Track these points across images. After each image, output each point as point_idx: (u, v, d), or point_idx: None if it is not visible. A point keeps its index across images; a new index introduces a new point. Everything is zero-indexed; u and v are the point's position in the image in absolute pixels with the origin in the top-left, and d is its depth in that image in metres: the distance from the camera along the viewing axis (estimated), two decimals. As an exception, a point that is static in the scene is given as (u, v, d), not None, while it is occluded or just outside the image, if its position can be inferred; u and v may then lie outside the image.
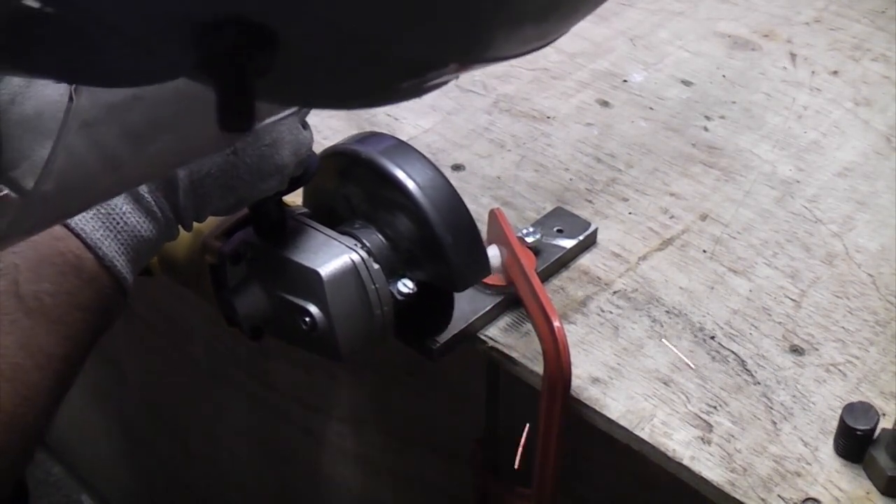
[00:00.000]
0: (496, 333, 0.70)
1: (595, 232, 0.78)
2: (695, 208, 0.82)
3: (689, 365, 0.67)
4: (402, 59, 0.31)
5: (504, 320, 0.71)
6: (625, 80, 0.98)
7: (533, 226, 0.76)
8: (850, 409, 0.61)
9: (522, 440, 0.70)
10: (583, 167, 0.86)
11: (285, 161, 0.60)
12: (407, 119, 0.92)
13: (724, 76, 0.99)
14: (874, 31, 1.07)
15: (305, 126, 0.62)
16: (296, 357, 0.91)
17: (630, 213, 0.81)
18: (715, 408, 0.65)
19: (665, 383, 0.67)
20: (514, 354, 0.68)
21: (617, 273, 0.75)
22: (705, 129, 0.91)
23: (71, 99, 0.39)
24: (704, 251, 0.78)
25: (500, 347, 0.69)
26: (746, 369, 0.68)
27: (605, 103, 0.95)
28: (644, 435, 0.63)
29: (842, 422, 0.61)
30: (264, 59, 0.27)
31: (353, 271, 0.62)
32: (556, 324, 0.62)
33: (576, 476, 0.72)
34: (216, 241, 0.66)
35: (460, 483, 0.82)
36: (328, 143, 0.70)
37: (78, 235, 0.53)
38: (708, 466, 0.61)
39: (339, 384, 0.90)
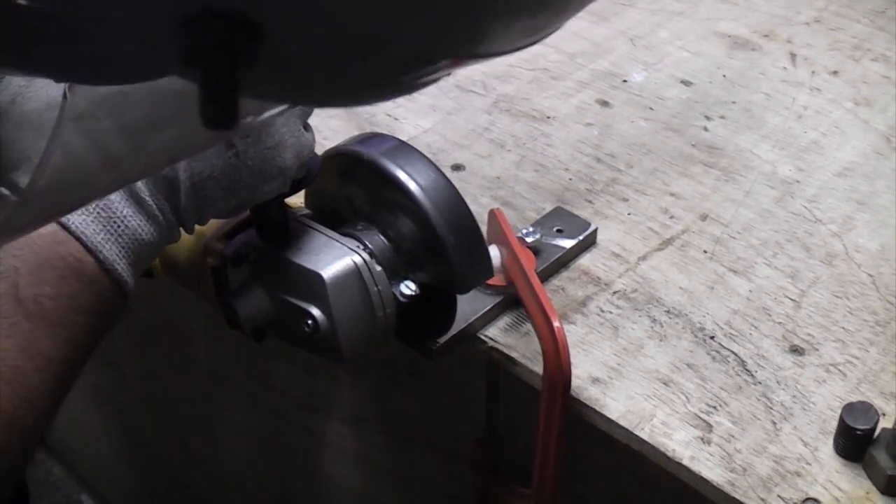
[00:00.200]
0: (496, 333, 0.70)
1: (595, 232, 0.78)
2: (695, 208, 0.82)
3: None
4: (395, 53, 0.30)
5: (504, 320, 0.71)
6: (625, 80, 0.98)
7: (533, 226, 0.76)
8: (849, 408, 0.61)
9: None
10: (583, 167, 0.86)
11: (287, 163, 0.60)
12: (407, 119, 0.92)
13: (724, 76, 0.99)
14: (874, 31, 1.07)
15: (307, 128, 0.62)
16: (296, 357, 0.91)
17: (630, 213, 0.81)
18: (715, 408, 0.65)
19: (665, 383, 0.67)
20: (514, 354, 0.68)
21: (617, 273, 0.75)
22: (705, 129, 0.91)
23: (65, 97, 0.39)
24: (704, 251, 0.78)
25: (500, 347, 0.69)
26: (746, 369, 0.68)
27: (605, 103, 0.95)
28: (644, 435, 0.63)
29: (841, 421, 0.61)
30: (249, 52, 0.26)
31: (355, 273, 0.62)
32: (555, 324, 0.62)
33: (576, 476, 0.72)
34: (218, 242, 0.66)
35: (460, 483, 0.82)
36: (328, 143, 0.70)
37: (79, 239, 0.53)
38: (708, 466, 0.61)
39: (339, 384, 0.90)
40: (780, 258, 0.77)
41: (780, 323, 0.71)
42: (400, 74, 0.32)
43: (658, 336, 0.70)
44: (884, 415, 0.63)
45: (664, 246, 0.78)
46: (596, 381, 0.67)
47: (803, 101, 0.95)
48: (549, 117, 0.93)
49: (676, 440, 0.63)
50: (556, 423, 0.64)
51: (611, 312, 0.72)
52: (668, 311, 0.72)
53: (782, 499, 0.60)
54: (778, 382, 0.67)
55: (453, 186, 0.64)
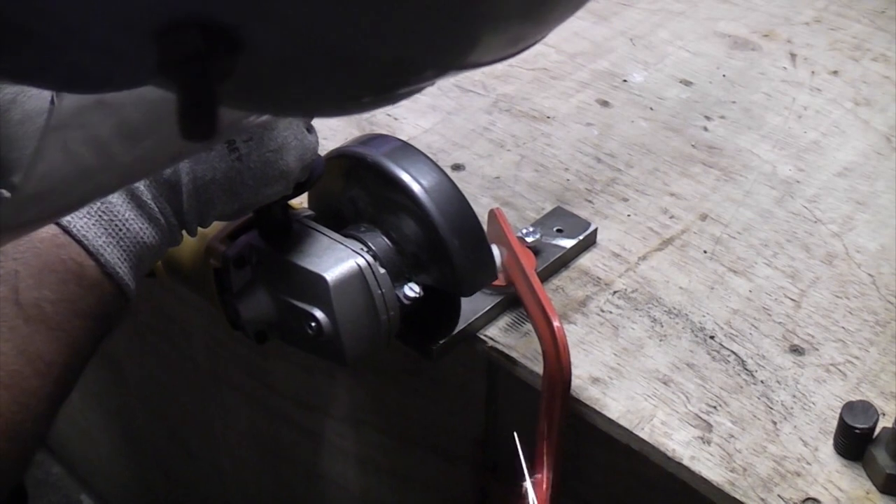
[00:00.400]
0: (496, 333, 0.70)
1: (595, 232, 0.78)
2: (695, 208, 0.82)
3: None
4: (374, 66, 0.30)
5: (504, 320, 0.71)
6: (625, 80, 0.98)
7: (533, 226, 0.76)
8: (849, 407, 0.61)
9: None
10: (583, 167, 0.86)
11: (290, 167, 0.60)
12: (407, 119, 0.92)
13: (724, 76, 0.99)
14: (874, 31, 1.07)
15: (311, 130, 0.62)
16: (295, 357, 0.91)
17: (630, 213, 0.81)
18: (715, 408, 0.65)
19: (665, 383, 0.66)
20: (514, 354, 0.68)
21: (617, 273, 0.75)
22: (705, 129, 0.91)
23: (52, 102, 0.39)
24: (704, 251, 0.78)
25: (500, 347, 0.69)
26: (746, 369, 0.68)
27: (605, 103, 0.95)
28: (644, 435, 0.63)
29: (841, 420, 0.61)
30: (227, 62, 0.26)
31: (359, 276, 0.62)
32: (556, 324, 0.62)
33: (576, 476, 0.72)
34: (220, 244, 0.66)
35: (460, 483, 0.82)
36: (327, 143, 0.70)
37: (80, 242, 0.53)
38: (708, 466, 0.61)
39: (338, 384, 0.90)
40: (780, 258, 0.77)
41: (780, 323, 0.71)
42: (380, 86, 0.32)
43: (658, 336, 0.70)
44: (883, 414, 0.63)
45: (664, 246, 0.78)
46: (596, 381, 0.67)
47: (803, 101, 0.95)
48: (549, 117, 0.93)
49: (676, 440, 0.63)
50: (557, 423, 0.64)
51: (611, 312, 0.72)
52: (668, 311, 0.72)
53: (782, 499, 0.60)
54: (778, 382, 0.67)
55: (457, 188, 0.63)
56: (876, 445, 0.61)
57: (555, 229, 0.77)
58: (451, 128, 0.91)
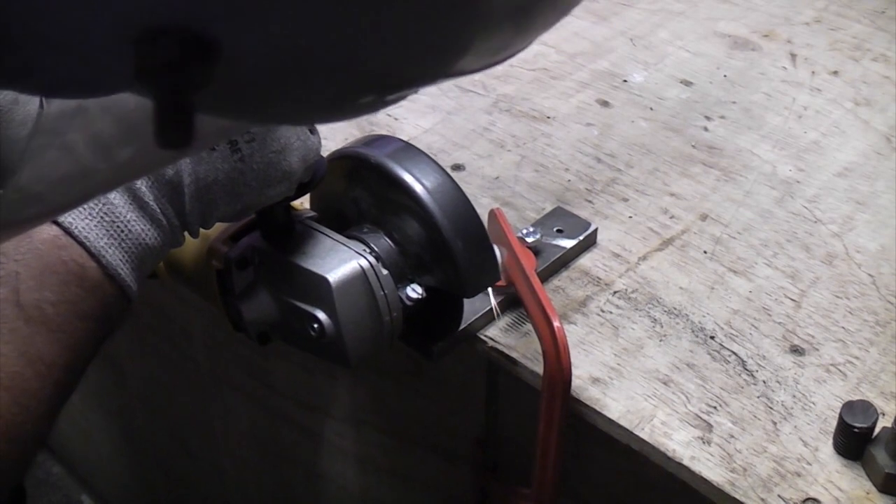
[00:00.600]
0: (496, 333, 0.70)
1: (595, 232, 0.78)
2: (695, 208, 0.82)
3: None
4: (356, 76, 0.30)
5: (504, 320, 0.71)
6: (625, 80, 0.98)
7: (533, 226, 0.76)
8: (849, 406, 0.61)
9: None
10: (583, 167, 0.86)
11: (293, 168, 0.60)
12: (407, 119, 0.92)
13: (724, 76, 0.99)
14: (874, 31, 1.07)
15: (314, 131, 0.62)
16: (296, 358, 0.91)
17: (630, 214, 0.81)
18: (715, 408, 0.65)
19: (665, 383, 0.67)
20: (514, 354, 0.68)
21: (617, 273, 0.75)
22: (705, 129, 0.91)
23: (41, 105, 0.39)
24: (704, 251, 0.78)
25: (500, 347, 0.69)
26: (746, 369, 0.68)
27: (605, 103, 0.95)
28: (644, 435, 0.63)
29: (841, 419, 0.61)
30: (204, 71, 0.26)
31: (361, 277, 0.62)
32: (556, 324, 0.62)
33: (576, 476, 0.72)
34: (223, 245, 0.65)
35: (460, 483, 0.82)
36: (328, 142, 0.70)
37: (81, 244, 0.53)
38: (708, 466, 0.61)
39: (338, 384, 0.90)
40: (780, 258, 0.77)
41: (780, 323, 0.71)
42: (362, 96, 0.32)
43: (658, 336, 0.70)
44: (883, 414, 0.63)
45: (664, 246, 0.78)
46: (596, 381, 0.67)
47: (803, 101, 0.95)
48: (549, 117, 0.93)
49: (676, 440, 0.63)
50: (556, 423, 0.64)
51: (611, 312, 0.72)
52: (668, 311, 0.72)
53: (782, 499, 0.60)
54: (778, 382, 0.67)
55: (460, 189, 0.63)
56: (875, 445, 0.61)
57: (555, 229, 0.77)
58: (451, 128, 0.91)
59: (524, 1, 0.29)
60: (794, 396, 0.66)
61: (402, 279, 0.64)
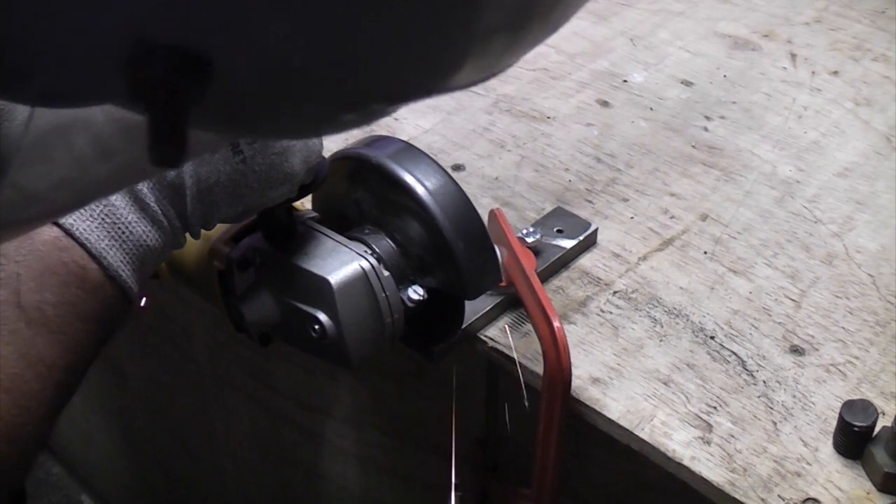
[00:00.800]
0: (496, 333, 0.70)
1: (595, 232, 0.78)
2: (695, 208, 0.82)
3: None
4: (353, 92, 0.30)
5: (504, 320, 0.71)
6: (625, 80, 0.98)
7: (533, 226, 0.76)
8: (849, 405, 0.62)
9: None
10: (583, 167, 0.86)
11: (295, 169, 0.60)
12: (407, 119, 0.92)
13: (724, 76, 0.99)
14: (874, 31, 1.07)
15: None
16: (297, 358, 0.91)
17: (630, 214, 0.81)
18: (715, 408, 0.65)
19: (665, 383, 0.67)
20: (514, 355, 0.68)
21: (617, 273, 0.75)
22: (705, 129, 0.91)
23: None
24: (704, 251, 0.78)
25: (500, 347, 0.69)
26: (746, 369, 0.68)
27: (605, 103, 0.95)
28: (644, 435, 0.63)
29: (841, 418, 0.61)
30: (197, 89, 0.26)
31: (363, 279, 0.62)
32: (556, 324, 0.62)
33: (576, 476, 0.72)
34: (224, 246, 0.65)
35: (460, 483, 0.82)
36: (328, 144, 0.70)
37: (83, 245, 0.53)
38: (708, 467, 0.61)
39: (339, 385, 0.90)
40: (780, 258, 0.77)
41: (780, 323, 0.71)
42: (353, 111, 0.32)
43: (658, 336, 0.70)
44: (883, 414, 0.63)
45: (664, 246, 0.78)
46: (596, 381, 0.67)
47: (803, 102, 0.95)
48: (549, 117, 0.93)
49: (677, 440, 0.63)
50: (556, 423, 0.64)
51: (611, 312, 0.72)
52: (668, 312, 0.72)
53: (782, 499, 0.60)
54: (778, 382, 0.67)
55: (462, 190, 0.63)
56: (875, 444, 0.61)
57: (555, 230, 0.77)
58: (451, 128, 0.91)
59: (516, 18, 0.29)
60: (794, 396, 0.66)
61: (403, 280, 0.64)
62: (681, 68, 1.00)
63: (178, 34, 0.25)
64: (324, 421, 0.95)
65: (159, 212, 0.56)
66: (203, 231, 0.60)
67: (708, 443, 0.63)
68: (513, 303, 0.71)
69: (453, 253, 0.62)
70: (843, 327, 0.71)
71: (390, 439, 0.89)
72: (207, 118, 0.29)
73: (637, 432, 0.63)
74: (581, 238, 0.76)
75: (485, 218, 0.73)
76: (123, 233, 0.54)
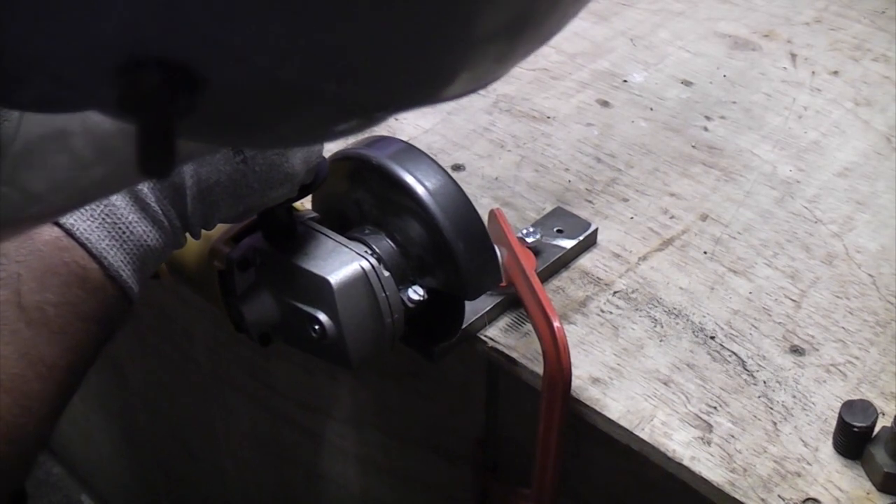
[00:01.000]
0: (496, 334, 0.70)
1: (595, 232, 0.78)
2: (695, 208, 0.82)
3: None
4: (345, 105, 0.30)
5: (504, 320, 0.71)
6: (625, 80, 0.98)
7: (533, 226, 0.76)
8: (848, 405, 0.62)
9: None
10: (583, 167, 0.86)
11: (295, 169, 0.60)
12: (407, 119, 0.92)
13: (724, 76, 0.99)
14: (874, 31, 1.07)
15: None
16: (297, 359, 0.91)
17: (630, 214, 0.81)
18: (715, 408, 0.65)
19: (665, 383, 0.67)
20: (514, 354, 0.68)
21: (617, 273, 0.75)
22: (705, 129, 0.92)
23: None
24: (705, 251, 0.78)
25: (500, 347, 0.69)
26: (746, 369, 0.68)
27: (605, 103, 0.95)
28: (644, 435, 0.63)
29: (840, 418, 0.61)
30: (187, 100, 0.26)
31: (363, 279, 0.62)
32: (556, 324, 0.62)
33: (576, 476, 0.72)
34: (224, 246, 0.65)
35: (460, 483, 0.82)
36: (329, 144, 0.70)
37: (83, 245, 0.53)
38: (708, 467, 0.61)
39: (339, 385, 0.90)
40: (781, 258, 0.77)
41: (780, 323, 0.71)
42: (345, 123, 0.32)
43: (658, 336, 0.70)
44: (883, 414, 0.63)
45: (664, 246, 0.78)
46: (596, 381, 0.67)
47: (803, 102, 0.95)
48: (549, 117, 0.93)
49: (677, 440, 0.63)
50: (556, 423, 0.64)
51: (611, 313, 0.72)
52: (668, 312, 0.72)
53: (783, 499, 0.60)
54: (778, 382, 0.67)
55: (462, 191, 0.63)
56: (875, 444, 0.61)
57: (555, 230, 0.77)
58: (451, 128, 0.91)
59: (509, 29, 0.29)
60: (794, 396, 0.66)
61: (403, 281, 0.64)
62: (681, 68, 1.00)
63: (169, 47, 0.25)
64: (324, 421, 0.95)
65: (160, 212, 0.56)
66: (203, 231, 0.60)
67: (708, 443, 0.63)
68: (513, 303, 0.71)
69: (453, 253, 0.62)
70: (843, 327, 0.71)
71: (390, 439, 0.89)
72: (198, 129, 0.30)
73: (637, 432, 0.63)
74: (581, 238, 0.76)
75: (485, 218, 0.73)
76: (124, 233, 0.54)
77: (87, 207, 0.53)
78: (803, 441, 0.63)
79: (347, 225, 0.67)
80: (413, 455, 0.88)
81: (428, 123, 0.92)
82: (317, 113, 0.30)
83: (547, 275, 0.74)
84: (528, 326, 0.70)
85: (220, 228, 0.65)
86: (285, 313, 0.64)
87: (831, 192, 0.84)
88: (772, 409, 0.65)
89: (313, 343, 0.63)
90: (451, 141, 0.89)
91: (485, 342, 0.70)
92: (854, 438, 0.61)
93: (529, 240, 0.73)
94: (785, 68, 1.00)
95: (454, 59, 0.29)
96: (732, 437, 0.63)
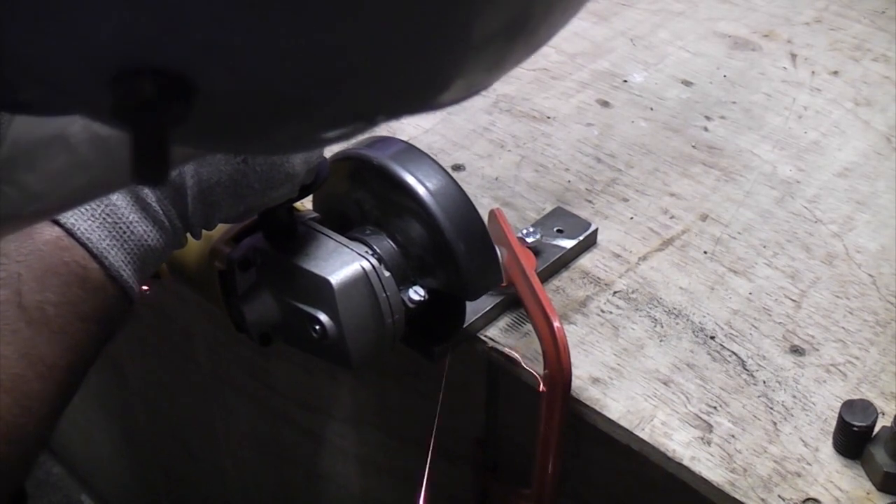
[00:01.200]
0: (496, 333, 0.70)
1: (595, 232, 0.78)
2: (695, 208, 0.82)
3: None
4: (339, 113, 0.30)
5: (504, 320, 0.71)
6: (625, 80, 0.98)
7: (533, 226, 0.76)
8: (848, 405, 0.62)
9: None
10: (583, 167, 0.86)
11: (296, 169, 0.60)
12: (407, 119, 0.92)
13: (724, 76, 0.99)
14: (874, 31, 1.07)
15: None
16: (297, 358, 0.91)
17: (630, 214, 0.81)
18: (715, 408, 0.65)
19: (665, 383, 0.67)
20: (514, 355, 0.68)
21: (617, 273, 0.75)
22: (705, 129, 0.92)
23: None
24: (705, 251, 0.78)
25: (500, 347, 0.69)
26: (746, 369, 0.68)
27: (605, 103, 0.95)
28: (644, 435, 0.63)
29: (840, 418, 0.61)
30: (181, 108, 0.26)
31: (363, 279, 0.62)
32: (556, 324, 0.62)
33: (576, 476, 0.72)
34: (225, 246, 0.65)
35: (460, 483, 0.82)
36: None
37: (84, 245, 0.53)
38: (708, 467, 0.61)
39: (339, 385, 0.90)
40: (781, 258, 0.77)
41: (780, 323, 0.71)
42: (340, 128, 0.32)
43: (658, 336, 0.70)
44: (883, 414, 0.63)
45: (664, 246, 0.78)
46: (596, 381, 0.67)
47: (803, 102, 0.95)
48: (549, 117, 0.93)
49: (677, 440, 0.63)
50: (556, 423, 0.64)
51: (611, 313, 0.72)
52: (668, 312, 0.72)
53: (783, 499, 0.60)
54: (778, 382, 0.67)
55: (462, 191, 0.63)
56: (875, 444, 0.61)
57: (555, 230, 0.77)
58: (451, 128, 0.91)
59: (506, 32, 0.29)
60: (794, 397, 0.66)
61: (404, 281, 0.64)
62: (681, 68, 1.00)
63: (164, 56, 0.25)
64: (324, 421, 0.95)
65: (160, 212, 0.56)
66: (204, 231, 0.60)
67: (708, 443, 0.63)
68: (513, 303, 0.71)
69: (454, 254, 0.62)
70: (843, 327, 0.71)
71: (390, 439, 0.89)
72: (193, 137, 0.30)
73: (637, 432, 0.63)
74: (581, 238, 0.76)
75: (485, 218, 0.73)
76: (124, 233, 0.54)
77: (88, 207, 0.53)
78: (803, 441, 0.63)
79: (348, 225, 0.67)
80: (413, 455, 0.88)
81: (428, 123, 0.92)
82: (312, 122, 0.30)
83: (547, 275, 0.74)
84: (528, 326, 0.70)
85: (221, 228, 0.65)
86: (286, 313, 0.64)
87: (831, 192, 0.84)
88: (772, 409, 0.65)
89: (314, 343, 0.63)
90: (452, 141, 0.89)
91: (485, 342, 0.70)
92: (854, 438, 0.61)
93: (529, 240, 0.73)
94: (785, 68, 1.00)
95: (451, 64, 0.29)
96: (732, 437, 0.63)
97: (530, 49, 0.32)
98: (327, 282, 0.61)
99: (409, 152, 0.64)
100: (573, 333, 0.70)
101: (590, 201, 0.83)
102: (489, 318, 0.71)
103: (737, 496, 0.60)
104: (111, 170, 0.44)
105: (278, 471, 1.08)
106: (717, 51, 1.03)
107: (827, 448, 0.63)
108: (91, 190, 0.45)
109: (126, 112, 0.25)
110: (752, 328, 0.71)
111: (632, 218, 0.81)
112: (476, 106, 0.94)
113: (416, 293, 0.64)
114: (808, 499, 0.60)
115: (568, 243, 0.76)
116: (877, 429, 0.61)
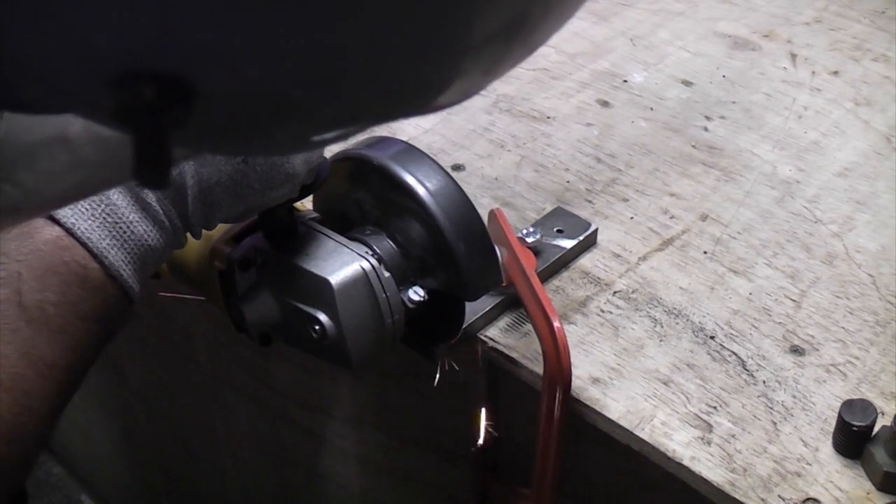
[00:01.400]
0: (496, 334, 0.70)
1: (595, 232, 0.78)
2: (695, 208, 0.82)
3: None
4: (335, 114, 0.30)
5: (504, 320, 0.71)
6: (625, 80, 0.98)
7: (533, 226, 0.76)
8: (848, 405, 0.62)
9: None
10: (583, 167, 0.86)
11: (296, 169, 0.60)
12: (407, 119, 0.92)
13: (724, 76, 0.99)
14: (874, 31, 1.07)
15: None
16: (297, 358, 0.91)
17: (630, 214, 0.81)
18: (715, 408, 0.65)
19: (665, 383, 0.67)
20: (514, 355, 0.68)
21: (617, 273, 0.75)
22: (705, 129, 0.92)
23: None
24: (704, 251, 0.78)
25: (500, 347, 0.69)
26: (746, 369, 0.68)
27: (605, 103, 0.95)
28: (644, 435, 0.63)
29: (840, 418, 0.61)
30: (181, 112, 0.26)
31: (363, 280, 0.62)
32: (556, 324, 0.62)
33: (576, 476, 0.72)
34: (225, 246, 0.65)
35: (460, 483, 0.82)
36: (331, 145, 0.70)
37: (84, 244, 0.53)
38: (708, 467, 0.61)
39: (339, 385, 0.90)
40: (781, 258, 0.77)
41: (780, 323, 0.71)
42: (338, 129, 0.32)
43: (658, 336, 0.70)
44: (882, 414, 0.63)
45: (664, 246, 0.78)
46: (596, 381, 0.67)
47: (803, 102, 0.95)
48: (549, 117, 0.93)
49: (677, 440, 0.63)
50: (556, 423, 0.64)
51: (611, 313, 0.72)
52: (668, 312, 0.72)
53: (782, 499, 0.60)
54: (778, 382, 0.67)
55: (462, 192, 0.63)
56: (874, 444, 0.61)
57: (555, 230, 0.77)
58: (451, 128, 0.91)
59: (506, 32, 0.29)
60: (794, 396, 0.66)
61: (404, 281, 0.64)
62: (681, 68, 1.00)
63: (164, 59, 0.25)
64: (324, 421, 0.95)
65: (160, 211, 0.56)
66: (204, 231, 0.60)
67: (708, 443, 0.63)
68: (513, 303, 0.71)
69: (454, 254, 0.62)
70: (843, 327, 0.71)
71: (390, 439, 0.89)
72: (193, 139, 0.30)
73: (637, 432, 0.63)
74: (581, 238, 0.76)
75: (485, 218, 0.73)
76: (125, 232, 0.54)
77: (88, 207, 0.53)
78: (803, 441, 0.63)
79: (348, 225, 0.67)
80: (413, 455, 0.88)
81: (428, 123, 0.92)
82: (311, 120, 0.30)
83: (547, 275, 0.74)
84: (528, 326, 0.70)
85: (221, 228, 0.65)
86: (286, 313, 0.64)
87: (831, 192, 0.84)
88: (772, 409, 0.65)
89: (314, 343, 0.63)
90: (451, 141, 0.89)
91: (485, 342, 0.70)
92: (854, 438, 0.61)
93: (529, 240, 0.73)
94: (785, 68, 1.00)
95: (450, 65, 0.29)
96: (732, 437, 0.63)
97: (528, 49, 0.32)
98: (327, 282, 0.61)
99: (409, 152, 0.64)
100: (573, 333, 0.70)
101: (590, 201, 0.83)
102: (489, 318, 0.71)
103: (737, 496, 0.60)
104: (111, 169, 0.44)
105: (278, 471, 1.08)
106: (717, 51, 1.03)
107: (827, 448, 0.63)
108: (91, 188, 0.45)
109: (127, 116, 0.25)
110: (752, 328, 0.71)
111: (632, 218, 0.81)
112: (476, 106, 0.94)
113: (416, 293, 0.64)
114: (808, 499, 0.60)
115: (568, 243, 0.76)
116: (876, 428, 0.61)
